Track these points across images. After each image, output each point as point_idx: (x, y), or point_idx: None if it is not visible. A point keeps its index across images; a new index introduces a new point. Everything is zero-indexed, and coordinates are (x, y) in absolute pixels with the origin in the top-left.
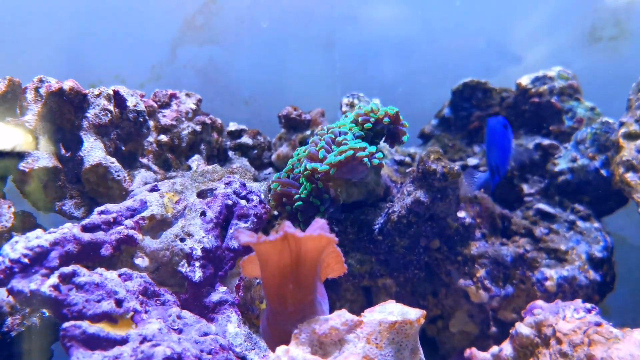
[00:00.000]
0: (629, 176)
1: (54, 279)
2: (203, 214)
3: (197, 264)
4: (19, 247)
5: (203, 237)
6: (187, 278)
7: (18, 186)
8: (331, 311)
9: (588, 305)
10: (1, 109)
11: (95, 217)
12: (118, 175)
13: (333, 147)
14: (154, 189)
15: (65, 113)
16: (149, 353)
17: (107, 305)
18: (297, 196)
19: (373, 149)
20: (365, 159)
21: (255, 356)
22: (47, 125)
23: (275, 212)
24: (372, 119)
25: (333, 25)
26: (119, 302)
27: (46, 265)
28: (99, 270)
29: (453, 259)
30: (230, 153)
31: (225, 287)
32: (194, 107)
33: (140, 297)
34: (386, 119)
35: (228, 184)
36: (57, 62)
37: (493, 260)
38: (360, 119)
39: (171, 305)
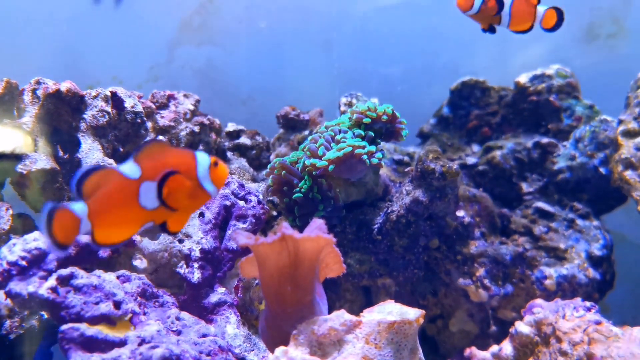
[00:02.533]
0: (628, 174)
1: (51, 282)
2: (201, 215)
3: (196, 265)
4: (16, 249)
5: (201, 238)
6: (186, 279)
7: (16, 188)
8: (330, 311)
9: (588, 304)
10: None
11: None
12: None
13: (332, 144)
14: None
15: (62, 115)
16: (147, 355)
17: (106, 307)
18: (297, 189)
19: (372, 148)
20: (365, 157)
21: (255, 357)
22: (45, 127)
23: (274, 213)
24: (369, 116)
25: (331, 25)
26: (117, 304)
27: (44, 267)
28: (97, 272)
29: (452, 258)
30: (229, 154)
31: (224, 288)
32: (192, 107)
33: (139, 298)
34: (384, 117)
35: (226, 184)
36: (54, 64)
37: (492, 259)
38: (355, 116)
39: (170, 306)
